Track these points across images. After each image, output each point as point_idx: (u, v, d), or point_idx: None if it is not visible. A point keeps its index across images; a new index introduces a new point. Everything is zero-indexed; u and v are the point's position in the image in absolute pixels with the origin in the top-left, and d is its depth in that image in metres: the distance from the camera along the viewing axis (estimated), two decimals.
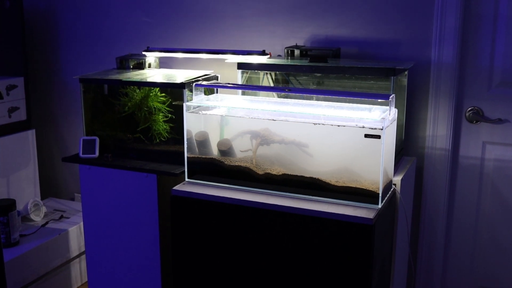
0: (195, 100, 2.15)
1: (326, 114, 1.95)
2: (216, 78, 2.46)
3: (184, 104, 2.09)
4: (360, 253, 1.82)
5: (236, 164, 2.05)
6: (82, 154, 2.36)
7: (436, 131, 2.37)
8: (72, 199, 3.25)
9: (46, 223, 2.85)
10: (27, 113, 2.93)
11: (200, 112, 2.11)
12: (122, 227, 2.37)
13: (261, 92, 2.33)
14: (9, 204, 2.61)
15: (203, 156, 2.11)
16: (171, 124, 2.32)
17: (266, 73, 2.36)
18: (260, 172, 2.02)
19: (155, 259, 2.32)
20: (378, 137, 1.81)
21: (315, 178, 1.94)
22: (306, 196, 1.96)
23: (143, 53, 2.58)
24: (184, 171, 2.15)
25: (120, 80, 2.36)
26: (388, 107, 1.91)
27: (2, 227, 2.57)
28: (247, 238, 1.98)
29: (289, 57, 2.38)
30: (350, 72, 2.17)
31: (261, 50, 2.37)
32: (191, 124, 2.10)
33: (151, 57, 2.62)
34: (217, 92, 2.27)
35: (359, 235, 1.81)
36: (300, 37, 2.52)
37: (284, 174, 1.99)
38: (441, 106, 2.34)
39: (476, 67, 2.33)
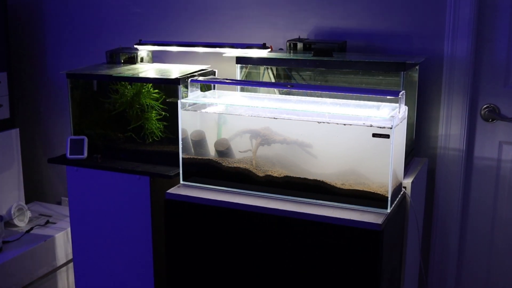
0: (191, 97, 2.15)
1: (331, 112, 1.95)
2: (213, 73, 2.46)
3: (178, 101, 2.10)
4: (368, 261, 1.82)
5: (235, 165, 2.06)
6: (70, 154, 2.37)
7: (449, 130, 2.37)
8: (59, 203, 3.25)
9: (31, 229, 2.85)
10: (10, 111, 2.93)
11: (196, 110, 2.11)
12: (112, 233, 2.37)
13: (262, 89, 2.34)
14: None
15: (199, 157, 2.11)
16: (165, 123, 2.33)
17: (267, 68, 2.36)
18: (261, 174, 2.02)
19: (148, 267, 2.32)
20: (387, 136, 1.82)
21: (319, 180, 1.94)
22: (310, 200, 1.96)
23: (135, 46, 2.58)
24: (179, 173, 2.16)
25: (110, 76, 2.36)
26: (397, 105, 1.91)
27: None
28: (246, 245, 1.98)
29: (292, 51, 2.39)
30: (357, 67, 2.17)
31: (262, 43, 2.38)
32: (187, 123, 2.10)
33: (143, 50, 2.62)
34: (214, 89, 2.28)
35: (367, 241, 1.81)
36: (304, 29, 2.53)
37: (286, 176, 1.99)
38: (454, 103, 2.35)
39: (492, 62, 2.33)
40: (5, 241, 2.71)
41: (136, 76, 2.34)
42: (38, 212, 3.07)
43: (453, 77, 2.33)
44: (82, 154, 2.37)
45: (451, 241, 2.45)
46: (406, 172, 2.14)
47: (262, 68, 2.36)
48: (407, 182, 2.07)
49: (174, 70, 2.43)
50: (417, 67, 2.26)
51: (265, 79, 2.38)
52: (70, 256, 2.84)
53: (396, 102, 1.92)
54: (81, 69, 2.51)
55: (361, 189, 1.89)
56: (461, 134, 2.36)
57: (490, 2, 2.28)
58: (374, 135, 1.83)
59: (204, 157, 2.10)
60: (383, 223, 1.80)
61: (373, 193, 1.88)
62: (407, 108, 2.01)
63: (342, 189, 1.92)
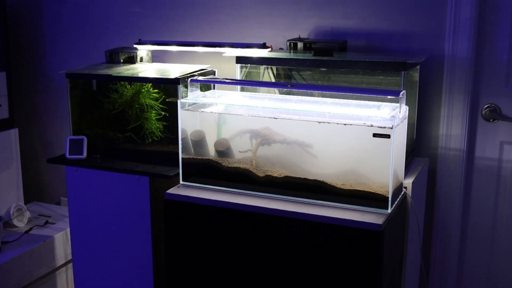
0: (191, 96, 2.15)
1: (331, 111, 1.95)
2: (213, 73, 2.46)
3: (178, 101, 2.10)
4: (368, 261, 1.82)
5: (235, 165, 2.05)
6: (69, 154, 2.37)
7: (450, 130, 2.37)
8: (58, 203, 3.25)
9: (30, 229, 2.85)
10: (9, 111, 2.93)
11: (195, 109, 2.11)
12: (111, 234, 2.37)
13: (262, 88, 2.34)
14: None
15: (199, 157, 2.11)
16: (164, 123, 2.33)
17: (267, 68, 2.36)
18: (261, 174, 2.02)
19: (148, 268, 2.32)
20: (388, 136, 1.82)
21: (319, 180, 1.94)
22: (310, 200, 1.96)
23: (134, 46, 2.58)
24: (178, 173, 2.16)
25: (110, 76, 2.36)
26: (398, 104, 1.91)
27: None
28: (246, 245, 1.98)
29: (292, 51, 2.38)
30: (357, 67, 2.17)
31: (262, 42, 2.38)
32: (186, 123, 2.10)
33: (143, 50, 2.62)
34: (214, 88, 2.28)
35: (367, 242, 1.81)
36: (304, 29, 2.53)
37: (286, 177, 1.99)
38: (455, 103, 2.35)
39: (493, 61, 2.33)
40: (4, 242, 2.71)
41: (136, 75, 2.34)
42: (37, 212, 3.07)
43: (454, 77, 2.33)
44: (82, 154, 2.37)
45: (452, 241, 2.45)
46: (407, 172, 2.14)
47: (262, 67, 2.36)
48: (408, 182, 2.07)
49: (174, 70, 2.43)
50: (418, 66, 2.26)
51: (265, 79, 2.38)
52: (70, 257, 2.84)
53: (397, 102, 1.92)
54: (81, 69, 2.51)
55: (362, 189, 1.89)
56: (462, 134, 2.36)
57: (491, 1, 2.28)
58: (375, 135, 1.83)
59: (204, 157, 2.10)
60: (383, 223, 1.80)
61: (374, 193, 1.88)
62: (407, 108, 2.01)
63: (342, 189, 1.91)
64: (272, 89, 2.34)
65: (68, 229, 2.74)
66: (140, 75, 2.36)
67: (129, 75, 2.34)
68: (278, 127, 1.97)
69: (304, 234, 1.89)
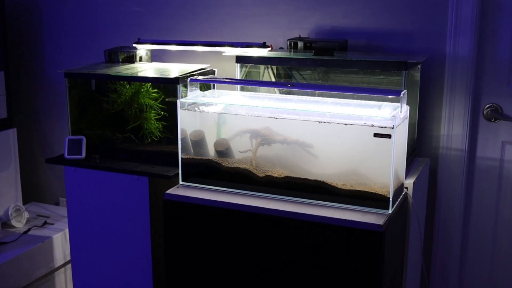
0: (190, 96, 2.15)
1: (332, 111, 1.95)
2: (213, 72, 2.46)
3: (178, 101, 2.09)
4: (369, 262, 1.82)
5: (235, 165, 2.05)
6: (68, 155, 2.36)
7: (452, 130, 2.37)
8: (57, 204, 3.25)
9: (29, 229, 2.85)
10: (7, 111, 2.93)
11: (195, 109, 2.11)
12: (110, 234, 2.37)
13: (262, 88, 2.33)
14: None
15: (199, 157, 2.11)
16: (164, 123, 2.33)
17: (267, 67, 2.36)
18: (261, 175, 2.02)
19: (147, 268, 2.32)
20: (389, 136, 1.81)
21: (320, 181, 1.94)
22: (310, 201, 1.96)
23: (134, 45, 2.58)
24: (178, 173, 2.15)
25: (109, 75, 2.36)
26: (399, 104, 1.91)
27: None
28: (246, 246, 1.98)
29: (292, 50, 2.38)
30: (358, 66, 2.17)
31: (262, 42, 2.37)
32: (186, 123, 2.10)
33: (142, 49, 2.62)
34: (213, 88, 2.28)
35: (368, 242, 1.81)
36: (304, 28, 2.52)
37: (286, 177, 1.99)
38: (456, 103, 2.34)
39: (494, 61, 2.33)
40: (2, 242, 2.70)
41: (135, 75, 2.34)
42: (36, 212, 3.07)
43: (455, 76, 2.33)
44: (80, 154, 2.36)
45: (453, 242, 2.45)
46: (408, 173, 2.14)
47: (262, 67, 2.36)
48: (409, 182, 2.07)
49: (173, 69, 2.43)
50: (419, 66, 2.26)
51: (265, 78, 2.38)
52: (68, 257, 2.84)
53: (398, 101, 1.92)
54: (79, 68, 2.51)
55: (362, 190, 1.89)
56: (463, 134, 2.36)
57: (492, 0, 2.28)
58: (376, 135, 1.83)
59: (203, 157, 2.10)
60: (384, 224, 1.80)
61: (375, 193, 1.87)
62: (408, 107, 2.01)
63: (343, 189, 1.91)
64: (272, 88, 2.34)
65: (67, 230, 2.74)
66: (139, 74, 2.36)
67: (128, 74, 2.34)
68: (278, 127, 1.97)
69: (304, 235, 1.89)
